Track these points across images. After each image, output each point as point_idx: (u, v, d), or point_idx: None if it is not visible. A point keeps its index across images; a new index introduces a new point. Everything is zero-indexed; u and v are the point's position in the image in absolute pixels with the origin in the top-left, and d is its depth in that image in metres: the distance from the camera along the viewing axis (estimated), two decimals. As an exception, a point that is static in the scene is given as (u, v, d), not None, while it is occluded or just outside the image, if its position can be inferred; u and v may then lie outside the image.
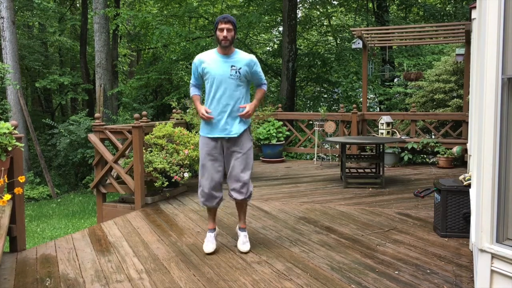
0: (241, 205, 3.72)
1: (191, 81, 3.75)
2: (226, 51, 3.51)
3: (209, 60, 3.53)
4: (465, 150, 7.56)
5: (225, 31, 3.41)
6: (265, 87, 3.76)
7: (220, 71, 3.48)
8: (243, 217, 3.76)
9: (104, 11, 13.09)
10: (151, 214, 4.88)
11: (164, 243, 3.88)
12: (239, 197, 3.58)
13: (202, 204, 3.68)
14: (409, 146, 8.05)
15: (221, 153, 3.58)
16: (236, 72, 3.48)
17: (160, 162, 5.21)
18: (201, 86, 3.77)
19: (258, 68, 3.63)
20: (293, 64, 12.78)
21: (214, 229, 3.75)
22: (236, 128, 3.52)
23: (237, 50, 3.60)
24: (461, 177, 3.97)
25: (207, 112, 3.49)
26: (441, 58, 11.17)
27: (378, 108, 14.86)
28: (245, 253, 3.57)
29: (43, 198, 11.47)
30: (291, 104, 13.03)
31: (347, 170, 6.61)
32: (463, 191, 3.80)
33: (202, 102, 3.73)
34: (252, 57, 3.60)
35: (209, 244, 3.63)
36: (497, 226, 2.23)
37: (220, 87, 3.48)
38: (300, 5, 16.57)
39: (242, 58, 3.55)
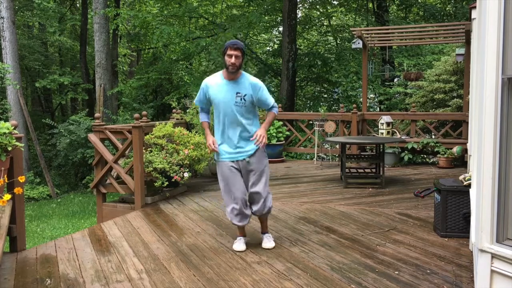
0: (261, 218, 3.82)
1: (199, 105, 3.77)
2: (232, 76, 3.52)
3: (215, 86, 3.56)
4: (465, 150, 7.55)
5: (233, 58, 3.43)
6: (275, 110, 3.74)
7: (225, 98, 3.51)
8: (265, 225, 3.86)
9: (104, 11, 13.08)
10: (151, 214, 4.88)
11: (164, 243, 3.88)
12: (258, 213, 3.69)
13: (236, 223, 3.70)
14: (409, 146, 8.04)
15: (239, 173, 3.62)
16: (241, 99, 3.50)
17: (160, 162, 5.21)
18: (209, 111, 3.81)
19: (264, 93, 3.62)
20: (293, 64, 12.77)
21: (245, 236, 3.84)
22: (250, 146, 3.57)
23: (244, 73, 3.59)
24: (461, 177, 3.97)
25: (214, 145, 3.57)
26: (441, 58, 11.17)
27: (378, 108, 14.86)
28: (269, 249, 3.68)
29: (43, 198, 11.46)
30: (291, 104, 13.03)
31: (347, 170, 6.61)
32: (463, 191, 3.80)
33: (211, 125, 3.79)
34: (257, 81, 3.59)
35: (240, 244, 3.72)
36: (497, 226, 2.23)
37: (227, 114, 3.52)
38: (300, 5, 16.57)
39: (247, 83, 3.54)
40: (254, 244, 3.78)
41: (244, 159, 3.57)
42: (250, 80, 3.57)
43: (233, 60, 3.42)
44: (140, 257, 3.54)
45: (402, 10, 16.76)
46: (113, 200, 6.09)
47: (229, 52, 3.44)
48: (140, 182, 5.09)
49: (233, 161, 3.58)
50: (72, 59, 20.31)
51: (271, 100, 3.67)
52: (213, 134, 3.68)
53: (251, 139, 3.56)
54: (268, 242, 3.76)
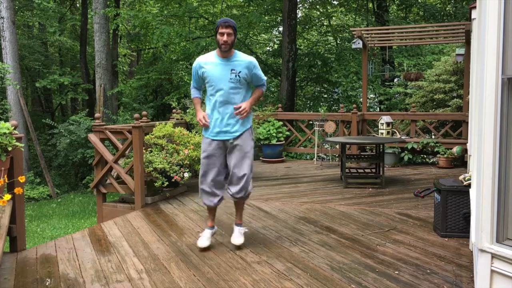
0: (238, 203, 3.80)
1: (191, 83, 3.79)
2: (225, 55, 3.54)
3: (208, 64, 3.57)
4: (465, 150, 7.56)
5: (225, 35, 3.44)
6: (264, 88, 3.79)
7: (220, 75, 3.52)
8: (239, 214, 3.82)
9: (104, 11, 13.08)
10: (151, 214, 4.88)
11: (164, 243, 3.88)
12: (236, 195, 3.65)
13: (203, 203, 3.73)
14: (409, 146, 8.04)
15: (223, 153, 3.63)
16: (236, 76, 3.52)
17: (160, 162, 5.21)
18: (201, 88, 3.81)
19: (258, 70, 3.67)
20: (293, 64, 12.77)
21: (213, 227, 3.81)
22: (237, 128, 3.58)
23: (236, 52, 3.62)
24: (461, 177, 3.97)
25: (205, 119, 3.57)
26: (441, 58, 11.17)
27: (378, 108, 14.86)
28: (238, 246, 3.65)
29: (43, 198, 11.46)
30: (291, 104, 13.03)
31: (347, 170, 6.61)
32: (463, 191, 3.80)
33: (203, 103, 3.76)
34: (252, 59, 3.63)
35: (204, 239, 3.68)
36: (497, 226, 2.23)
37: (221, 91, 3.53)
38: (300, 5, 16.56)
39: (242, 60, 3.58)
40: (254, 244, 3.78)
41: (229, 139, 3.57)
42: (244, 58, 3.60)
43: (225, 38, 3.43)
44: (140, 257, 3.54)
45: (402, 10, 16.76)
46: (113, 200, 6.09)
47: (221, 30, 3.45)
48: (140, 182, 5.09)
49: (219, 140, 3.58)
50: (72, 59, 20.31)
51: (263, 77, 3.74)
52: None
53: (234, 107, 3.54)
54: (237, 237, 3.69)
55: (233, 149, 3.59)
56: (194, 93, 3.79)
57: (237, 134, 3.57)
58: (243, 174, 3.58)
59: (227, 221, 4.54)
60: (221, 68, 3.53)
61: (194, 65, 3.66)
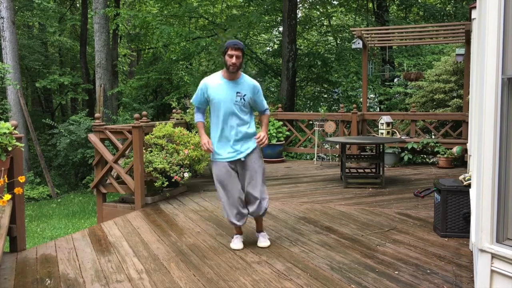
0: (257, 218, 3.83)
1: (195, 105, 3.77)
2: (232, 76, 3.55)
3: (215, 86, 3.57)
4: (465, 150, 7.56)
5: (234, 58, 3.45)
6: (268, 112, 3.82)
7: (225, 97, 3.53)
8: (260, 224, 3.88)
9: (104, 11, 13.09)
10: (151, 214, 4.88)
11: (164, 243, 3.88)
12: (254, 214, 3.70)
13: (233, 223, 3.71)
14: (409, 146, 8.04)
15: (236, 173, 3.63)
16: (241, 99, 3.54)
17: (160, 162, 5.21)
18: (205, 111, 3.82)
19: (261, 95, 3.71)
20: (293, 64, 12.78)
21: (242, 234, 3.86)
22: (245, 148, 3.59)
23: (243, 74, 3.64)
24: (461, 177, 3.97)
25: (209, 144, 3.58)
26: (441, 58, 11.17)
27: (378, 108, 14.86)
28: (265, 248, 3.71)
29: (43, 198, 11.46)
30: (291, 104, 13.03)
31: (347, 170, 6.61)
32: (463, 191, 3.80)
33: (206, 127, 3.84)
34: (256, 83, 3.66)
35: (237, 242, 3.75)
36: (497, 226, 2.23)
37: (226, 113, 3.53)
38: (300, 5, 16.56)
39: (247, 84, 3.60)
40: (254, 244, 3.78)
41: (240, 159, 3.58)
42: (249, 81, 3.62)
43: (234, 60, 3.45)
44: (140, 257, 3.54)
45: (402, 10, 16.76)
46: (113, 200, 6.09)
47: (230, 52, 3.46)
48: (140, 182, 5.09)
49: (229, 161, 3.59)
50: (72, 59, 20.31)
51: (265, 103, 3.78)
52: (208, 135, 3.69)
53: (254, 137, 3.60)
54: (264, 241, 3.78)
55: (245, 169, 3.60)
56: (197, 117, 3.78)
57: (247, 152, 3.59)
58: (258, 193, 3.61)
59: (227, 222, 4.53)
60: (226, 90, 3.54)
61: (200, 85, 3.65)
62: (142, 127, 5.16)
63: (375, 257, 3.45)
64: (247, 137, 3.60)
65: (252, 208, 3.66)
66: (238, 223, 3.67)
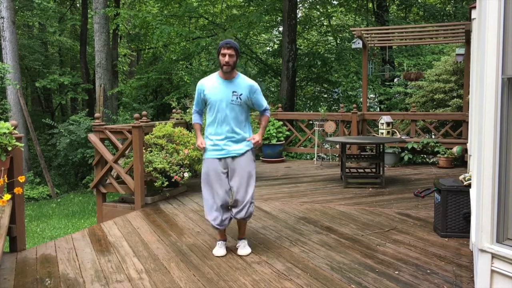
0: (240, 222, 3.70)
1: (193, 107, 3.78)
2: (227, 76, 3.55)
3: (211, 86, 3.58)
4: (465, 150, 7.55)
5: (227, 56, 3.46)
6: (268, 113, 3.78)
7: (221, 97, 3.52)
8: (243, 230, 3.75)
9: (104, 11, 13.08)
10: (151, 214, 4.88)
11: (164, 243, 3.88)
12: (238, 216, 3.58)
13: (213, 226, 3.62)
14: (409, 146, 8.04)
15: (225, 174, 3.57)
16: (237, 98, 3.53)
17: (160, 162, 5.20)
18: (203, 112, 3.81)
19: (259, 94, 3.67)
20: (293, 64, 12.77)
21: (225, 240, 3.73)
22: (238, 148, 3.55)
23: (239, 74, 3.63)
24: (461, 177, 3.97)
25: (202, 145, 3.59)
26: (441, 58, 11.17)
27: (378, 108, 14.85)
28: (246, 256, 3.58)
29: (43, 198, 11.46)
30: (291, 104, 13.03)
31: (347, 170, 6.61)
32: (463, 191, 3.80)
33: (203, 129, 3.80)
34: (254, 83, 3.63)
35: (219, 249, 3.63)
36: (497, 226, 2.23)
37: (222, 112, 3.53)
38: (300, 5, 16.56)
39: (244, 83, 3.58)
40: (254, 244, 3.78)
41: (230, 156, 3.53)
42: (246, 81, 3.61)
43: (227, 59, 3.46)
44: (140, 257, 3.54)
45: (402, 10, 16.75)
46: (113, 200, 6.08)
47: (223, 51, 3.48)
48: (140, 182, 5.09)
49: (220, 159, 3.55)
50: (72, 59, 20.31)
51: (264, 102, 3.72)
52: (203, 134, 3.70)
53: (247, 139, 3.58)
54: (243, 248, 3.64)
55: (235, 170, 3.55)
56: (195, 118, 3.78)
57: (237, 153, 3.54)
58: (243, 196, 3.54)
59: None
60: (222, 90, 3.54)
61: (197, 87, 3.66)
62: (142, 127, 5.16)
63: (375, 257, 3.45)
64: (240, 137, 3.57)
65: (236, 210, 3.56)
66: (219, 227, 3.58)
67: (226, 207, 3.57)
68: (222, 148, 3.54)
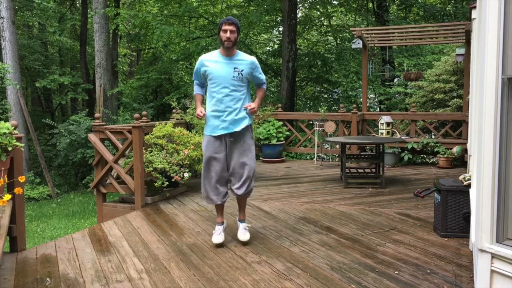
0: (241, 200, 3.84)
1: (194, 79, 3.85)
2: (228, 53, 3.60)
3: (211, 62, 3.63)
4: (465, 150, 7.56)
5: (228, 32, 3.51)
6: (265, 86, 3.89)
7: (223, 73, 3.58)
8: (243, 210, 3.88)
9: (104, 11, 13.09)
10: (151, 214, 4.88)
11: (164, 243, 3.89)
12: (239, 192, 3.70)
13: (207, 201, 3.77)
14: (409, 146, 8.05)
15: (225, 150, 3.67)
16: (238, 74, 3.59)
17: (160, 162, 5.21)
18: (204, 85, 3.86)
19: (259, 69, 3.76)
20: (293, 64, 12.78)
21: (223, 222, 3.86)
22: (238, 125, 3.62)
23: (239, 51, 3.69)
24: (461, 177, 3.97)
25: (202, 113, 3.62)
26: (441, 58, 11.17)
27: (378, 108, 14.85)
28: (245, 242, 3.72)
29: (43, 198, 11.47)
30: (291, 104, 13.03)
31: (347, 170, 6.61)
32: (463, 191, 3.80)
33: (204, 101, 3.87)
34: (254, 59, 3.71)
35: (217, 236, 3.75)
36: (497, 226, 2.23)
37: (223, 88, 3.58)
38: (300, 5, 16.56)
39: (245, 59, 3.65)
40: (254, 244, 3.78)
41: (229, 133, 3.61)
42: (246, 57, 3.68)
43: (228, 34, 3.51)
44: (140, 257, 3.54)
45: (402, 10, 16.76)
46: (113, 200, 6.09)
47: (224, 27, 3.53)
48: (140, 182, 5.10)
49: (220, 136, 3.62)
50: (72, 59, 20.31)
51: (263, 77, 3.83)
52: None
53: (244, 106, 3.62)
54: (243, 234, 3.76)
55: (234, 146, 3.64)
56: (196, 89, 3.85)
57: (238, 129, 3.61)
58: (244, 171, 3.64)
59: (227, 221, 4.53)
60: (224, 66, 3.59)
61: (197, 63, 3.72)
62: (142, 127, 5.16)
63: (375, 257, 3.45)
64: (241, 113, 3.62)
65: (237, 185, 3.66)
66: (217, 201, 3.70)
67: (223, 181, 3.69)
68: (222, 126, 3.59)
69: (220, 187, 3.70)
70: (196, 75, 3.78)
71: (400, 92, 12.96)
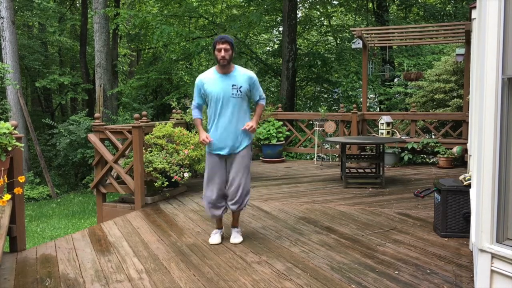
0: (234, 212, 3.92)
1: (193, 103, 3.85)
2: (225, 70, 3.62)
3: (209, 81, 3.64)
4: (465, 150, 7.55)
5: (222, 51, 3.53)
6: (263, 102, 3.87)
7: (221, 91, 3.59)
8: (236, 219, 3.98)
9: (104, 11, 13.08)
10: (151, 214, 4.88)
11: (164, 243, 3.88)
12: (233, 207, 3.79)
13: (209, 215, 3.89)
14: (409, 146, 8.04)
15: (224, 167, 3.75)
16: (237, 91, 3.60)
17: (160, 162, 5.21)
18: (202, 107, 3.87)
19: (258, 85, 3.76)
20: (293, 64, 12.77)
21: (221, 228, 3.96)
22: (239, 144, 3.68)
23: (236, 67, 3.69)
24: (461, 177, 3.97)
25: (208, 139, 3.66)
26: (441, 58, 11.17)
27: (378, 108, 14.86)
28: (237, 244, 3.79)
29: (43, 198, 11.46)
30: (291, 104, 13.03)
31: (347, 170, 6.61)
32: (463, 191, 3.80)
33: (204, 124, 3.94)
34: (252, 74, 3.71)
35: (213, 236, 3.87)
36: (497, 226, 2.23)
37: (223, 107, 3.60)
38: (300, 5, 16.56)
39: (242, 75, 3.64)
40: (254, 244, 3.78)
41: (230, 154, 3.68)
42: (244, 73, 3.67)
43: (222, 53, 3.53)
44: (140, 257, 3.54)
45: (402, 10, 16.75)
46: (113, 200, 6.09)
47: (218, 46, 3.55)
48: (140, 182, 5.09)
49: (222, 156, 3.70)
50: (72, 59, 20.30)
51: (261, 91, 3.83)
52: (206, 130, 3.79)
53: (242, 128, 3.65)
54: (236, 237, 3.86)
55: (232, 164, 3.70)
56: (195, 113, 3.85)
57: (238, 150, 3.68)
58: (240, 188, 3.70)
59: (227, 222, 4.53)
60: (222, 84, 3.60)
61: (196, 82, 3.73)
62: (142, 127, 5.16)
63: (375, 257, 3.45)
64: (241, 136, 3.67)
65: (231, 201, 3.74)
66: (214, 212, 3.78)
67: (222, 197, 3.77)
68: (226, 146, 3.65)
69: (220, 203, 3.79)
70: (197, 96, 3.76)
71: (400, 92, 12.96)
